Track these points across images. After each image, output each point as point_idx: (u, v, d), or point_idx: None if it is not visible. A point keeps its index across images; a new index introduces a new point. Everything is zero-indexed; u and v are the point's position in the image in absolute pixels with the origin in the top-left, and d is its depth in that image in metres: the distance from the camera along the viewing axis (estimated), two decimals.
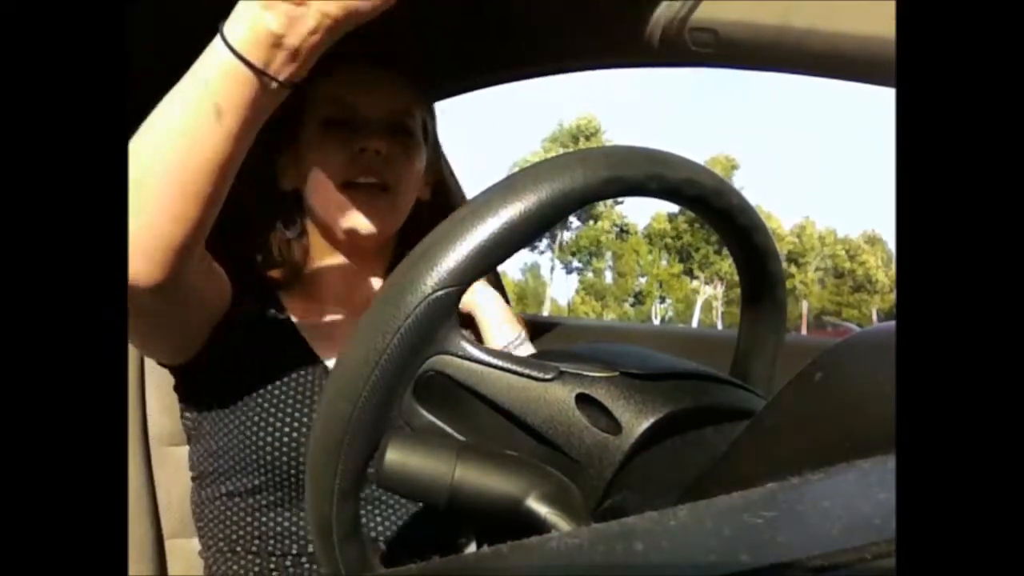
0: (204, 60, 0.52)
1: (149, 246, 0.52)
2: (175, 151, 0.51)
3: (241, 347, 0.71)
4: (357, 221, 0.73)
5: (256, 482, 0.69)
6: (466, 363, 0.37)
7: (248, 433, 0.68)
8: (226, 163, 0.53)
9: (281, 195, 0.77)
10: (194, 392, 0.74)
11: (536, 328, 1.07)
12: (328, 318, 0.78)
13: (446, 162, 0.98)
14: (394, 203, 0.75)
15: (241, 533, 0.70)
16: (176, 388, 0.75)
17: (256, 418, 0.68)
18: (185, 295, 0.61)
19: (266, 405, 0.69)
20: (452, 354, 0.37)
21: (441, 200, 0.86)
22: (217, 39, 0.50)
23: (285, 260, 0.77)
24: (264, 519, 0.69)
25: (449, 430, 0.39)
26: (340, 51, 0.67)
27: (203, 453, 0.72)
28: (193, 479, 0.76)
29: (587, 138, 36.37)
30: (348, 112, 0.74)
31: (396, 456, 0.36)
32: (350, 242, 0.76)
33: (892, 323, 0.26)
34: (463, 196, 1.14)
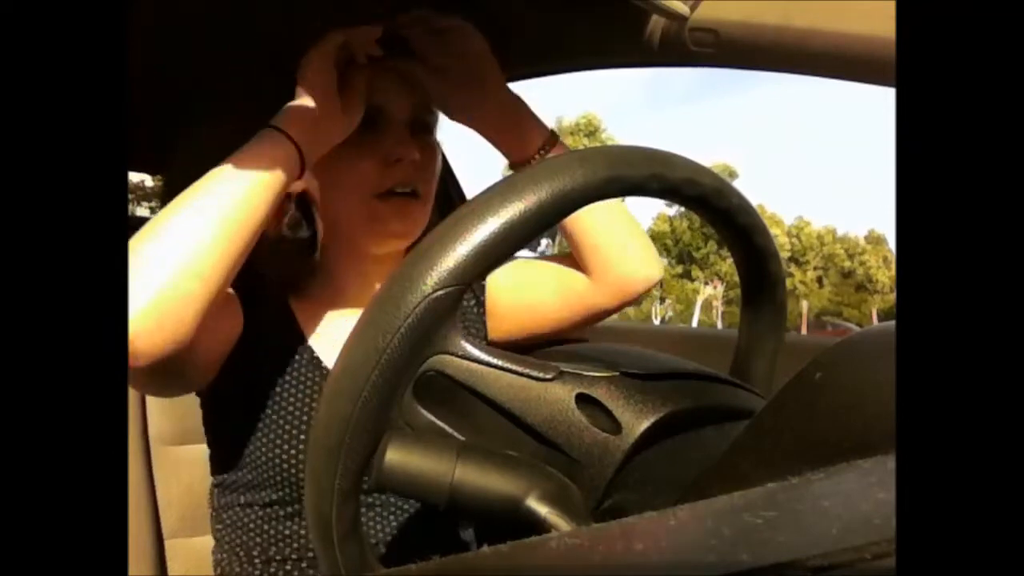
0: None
1: (164, 319, 0.52)
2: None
3: (255, 364, 0.69)
4: (391, 230, 0.70)
5: (277, 495, 0.69)
6: (466, 363, 0.37)
7: (266, 449, 0.67)
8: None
9: (287, 197, 0.72)
10: (212, 408, 0.73)
11: None
12: (342, 325, 0.75)
13: (443, 157, 0.95)
14: (425, 209, 0.73)
15: (259, 540, 0.70)
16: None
17: (273, 435, 0.68)
18: (197, 350, 0.58)
19: (282, 421, 0.68)
20: (452, 354, 0.37)
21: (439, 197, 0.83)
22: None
23: (294, 265, 0.74)
24: (282, 528, 0.69)
25: (449, 430, 0.39)
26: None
27: (224, 464, 0.72)
28: (214, 485, 0.75)
29: (587, 135, 36.30)
30: (374, 115, 0.69)
31: (396, 456, 0.36)
32: (376, 249, 0.73)
33: (892, 323, 0.26)
34: (461, 193, 1.14)
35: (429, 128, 0.74)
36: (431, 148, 0.74)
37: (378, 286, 0.74)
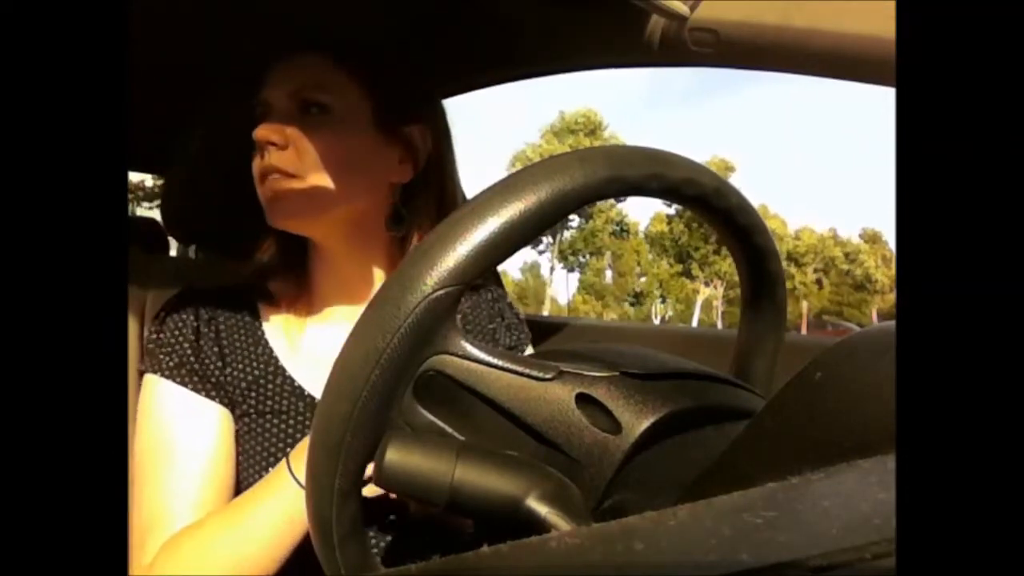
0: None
1: None
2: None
3: (239, 399, 0.72)
4: (271, 211, 0.72)
5: None
6: (466, 363, 0.37)
7: (256, 477, 0.70)
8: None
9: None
10: None
11: (536, 328, 1.07)
12: (314, 336, 0.77)
13: (445, 149, 0.85)
14: (303, 187, 0.70)
15: None
16: None
17: (264, 462, 0.70)
18: None
19: (271, 448, 0.70)
20: (452, 354, 0.37)
21: (434, 184, 0.80)
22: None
23: (287, 274, 0.79)
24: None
25: (449, 430, 0.38)
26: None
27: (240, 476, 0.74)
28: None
29: (589, 133, 36.17)
30: (264, 109, 0.74)
31: (396, 456, 0.36)
32: (288, 229, 0.74)
33: (892, 323, 0.26)
34: (460, 188, 1.14)
35: (321, 104, 0.72)
36: (318, 121, 0.72)
37: (345, 278, 0.79)
